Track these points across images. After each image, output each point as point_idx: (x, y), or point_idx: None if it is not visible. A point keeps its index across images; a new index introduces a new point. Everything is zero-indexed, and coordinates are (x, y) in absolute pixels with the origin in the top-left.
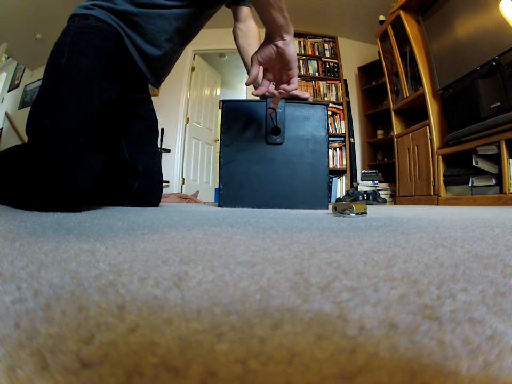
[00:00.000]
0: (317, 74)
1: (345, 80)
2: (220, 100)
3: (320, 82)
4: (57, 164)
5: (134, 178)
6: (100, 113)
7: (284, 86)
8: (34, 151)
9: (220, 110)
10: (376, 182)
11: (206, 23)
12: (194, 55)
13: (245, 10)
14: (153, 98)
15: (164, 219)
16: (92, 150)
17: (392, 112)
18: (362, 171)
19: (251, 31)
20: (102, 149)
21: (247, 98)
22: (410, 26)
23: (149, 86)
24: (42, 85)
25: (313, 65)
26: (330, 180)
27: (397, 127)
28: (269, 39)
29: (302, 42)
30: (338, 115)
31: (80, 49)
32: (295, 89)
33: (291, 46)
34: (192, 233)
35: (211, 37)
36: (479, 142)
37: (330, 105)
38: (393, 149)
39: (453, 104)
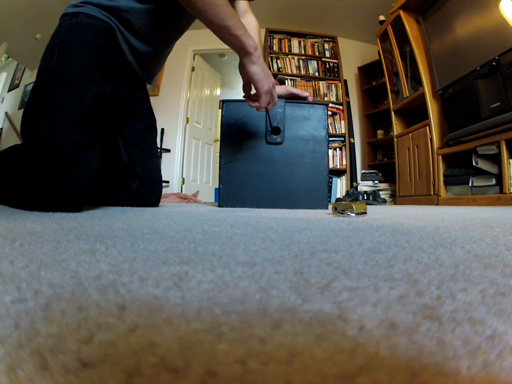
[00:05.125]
0: (317, 74)
1: (345, 80)
2: (220, 100)
3: (320, 82)
4: (55, 164)
5: (133, 180)
6: (94, 109)
7: (249, 101)
8: (31, 152)
9: (220, 110)
10: (376, 182)
11: None
12: (194, 55)
13: (242, 5)
14: (153, 98)
15: (164, 219)
16: (89, 147)
17: (392, 112)
18: (362, 171)
19: (250, 27)
20: (99, 144)
21: None
22: (410, 26)
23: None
24: (34, 86)
25: (313, 65)
26: (330, 180)
27: (397, 127)
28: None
29: (302, 42)
30: (338, 115)
31: (70, 48)
32: (258, 107)
33: (251, 67)
34: (192, 233)
35: (211, 37)
36: (479, 142)
37: (330, 105)
38: (393, 149)
39: (453, 104)
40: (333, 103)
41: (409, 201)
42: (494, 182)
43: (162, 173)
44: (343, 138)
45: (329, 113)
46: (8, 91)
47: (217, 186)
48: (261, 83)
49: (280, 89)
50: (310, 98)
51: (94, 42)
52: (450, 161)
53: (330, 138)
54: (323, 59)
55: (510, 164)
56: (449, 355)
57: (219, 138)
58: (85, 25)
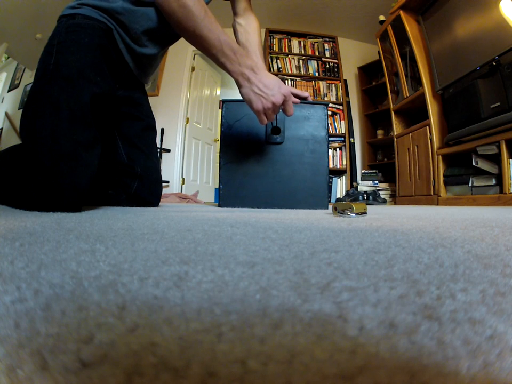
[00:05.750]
0: (317, 74)
1: (345, 80)
2: (220, 100)
3: (320, 82)
4: (55, 164)
5: (133, 180)
6: (93, 108)
7: None
8: (31, 152)
9: (220, 110)
10: (376, 182)
11: None
12: (194, 55)
13: (243, 3)
14: (153, 98)
15: (164, 219)
16: (88, 146)
17: (392, 112)
18: (362, 171)
19: (251, 26)
20: (99, 143)
21: None
22: (410, 26)
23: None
24: (32, 87)
25: (313, 65)
26: (330, 180)
27: (397, 127)
28: None
29: (302, 42)
30: (338, 115)
31: (68, 48)
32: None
33: (239, 90)
34: (192, 233)
35: None
36: (479, 142)
37: (330, 105)
38: (393, 149)
39: (453, 104)
40: (333, 103)
41: (409, 201)
42: (494, 182)
43: (162, 173)
44: (343, 138)
45: (329, 113)
46: (8, 91)
47: (217, 186)
48: (250, 104)
49: None
50: (310, 98)
51: (92, 43)
52: (450, 161)
53: (330, 138)
54: (323, 59)
55: (510, 163)
56: (449, 355)
57: (219, 138)
58: (82, 26)
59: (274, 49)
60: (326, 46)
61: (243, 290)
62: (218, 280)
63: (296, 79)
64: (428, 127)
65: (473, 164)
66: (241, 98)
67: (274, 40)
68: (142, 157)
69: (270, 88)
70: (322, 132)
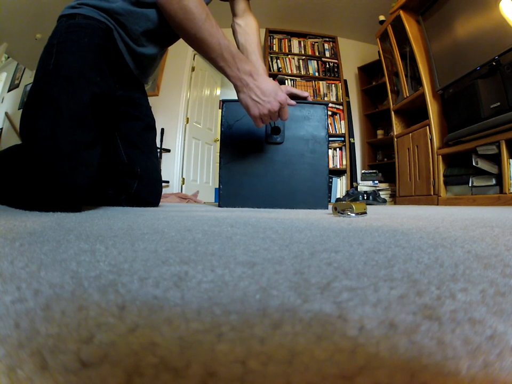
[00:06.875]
0: (317, 74)
1: (345, 80)
2: (220, 100)
3: (320, 82)
4: (55, 164)
5: (133, 180)
6: (92, 108)
7: None
8: (31, 153)
9: (220, 110)
10: (376, 182)
11: None
12: (194, 55)
13: (242, 4)
14: (153, 98)
15: (164, 219)
16: (88, 146)
17: (392, 112)
18: (362, 171)
19: (250, 27)
20: (99, 144)
21: None
22: (410, 26)
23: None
24: (32, 87)
25: (313, 65)
26: (330, 180)
27: (397, 127)
28: None
29: (302, 42)
30: (338, 115)
31: (68, 48)
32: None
33: (237, 94)
34: (192, 233)
35: None
36: (479, 142)
37: (330, 105)
38: (393, 149)
39: (453, 104)
40: (333, 103)
41: (409, 201)
42: (494, 182)
43: (162, 173)
44: (343, 138)
45: (329, 113)
46: (8, 91)
47: (217, 186)
48: (247, 109)
49: None
50: (310, 98)
51: (92, 43)
52: (450, 161)
53: (330, 138)
54: (323, 59)
55: (510, 163)
56: (449, 355)
57: (219, 138)
58: (82, 26)
59: (274, 49)
60: (326, 46)
61: (243, 290)
62: (218, 280)
63: (296, 79)
64: (427, 127)
65: (473, 163)
66: None
67: (274, 40)
68: (142, 157)
69: (267, 95)
70: (322, 131)
